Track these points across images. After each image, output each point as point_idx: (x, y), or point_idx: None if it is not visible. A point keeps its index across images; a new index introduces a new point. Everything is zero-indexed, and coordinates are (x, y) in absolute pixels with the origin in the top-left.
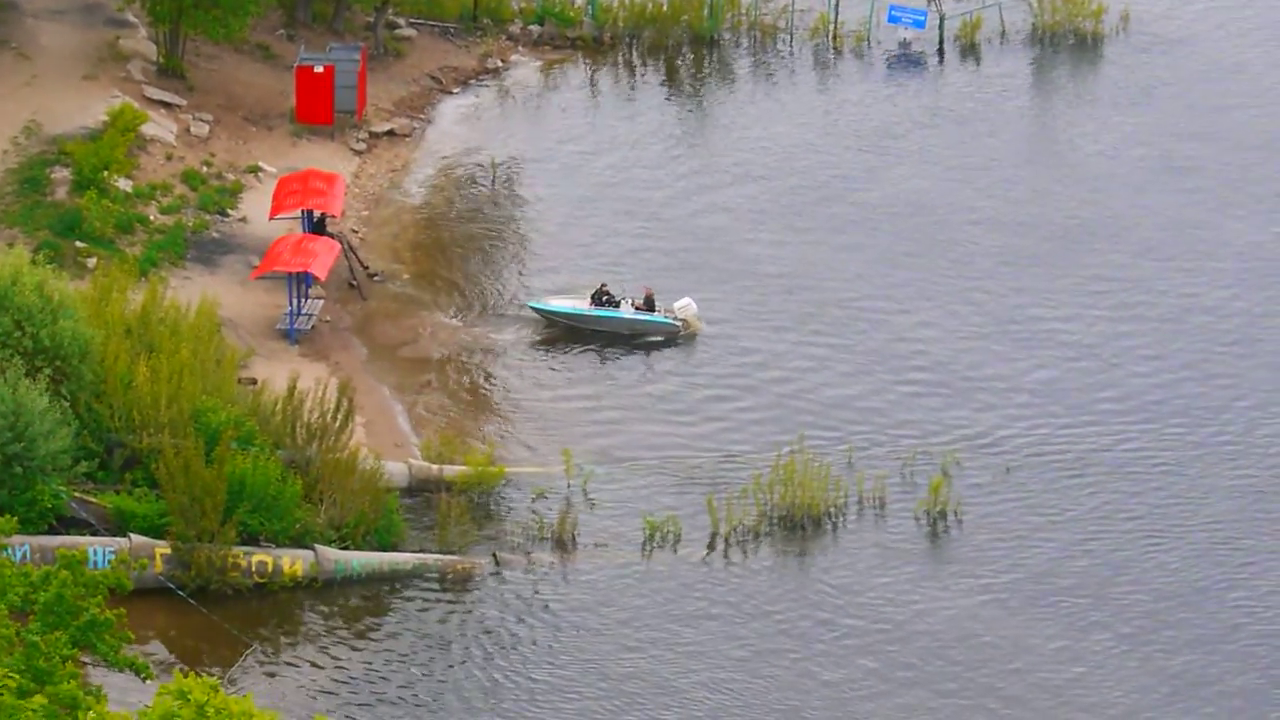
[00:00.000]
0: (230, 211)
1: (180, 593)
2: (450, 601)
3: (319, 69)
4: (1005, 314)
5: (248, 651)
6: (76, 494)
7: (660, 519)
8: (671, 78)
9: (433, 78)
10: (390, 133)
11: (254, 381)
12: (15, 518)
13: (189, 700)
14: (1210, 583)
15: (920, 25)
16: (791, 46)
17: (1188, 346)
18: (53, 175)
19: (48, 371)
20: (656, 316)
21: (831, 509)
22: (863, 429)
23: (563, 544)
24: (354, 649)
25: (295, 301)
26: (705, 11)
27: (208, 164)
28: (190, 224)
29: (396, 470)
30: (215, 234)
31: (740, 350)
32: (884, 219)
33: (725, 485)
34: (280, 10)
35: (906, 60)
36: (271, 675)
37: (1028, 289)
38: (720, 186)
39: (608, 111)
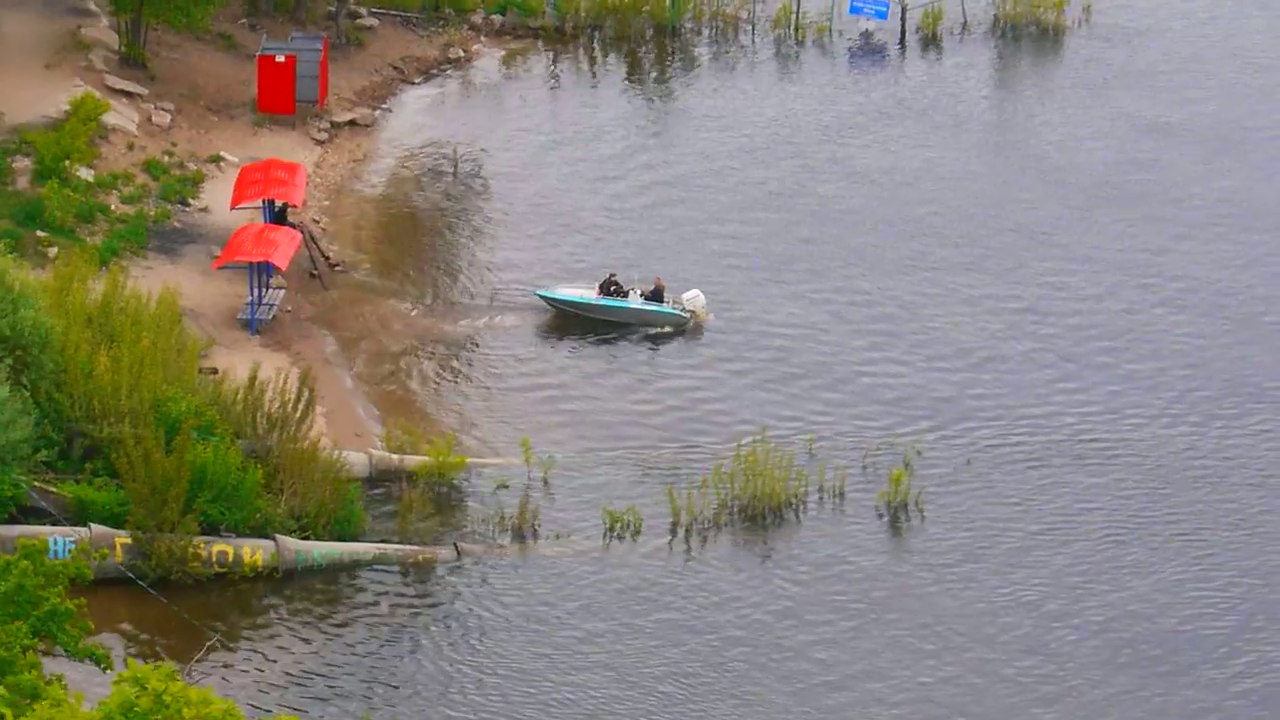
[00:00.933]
0: (192, 201)
1: (141, 583)
2: (411, 592)
3: (281, 59)
4: (966, 305)
5: (208, 642)
6: (36, 483)
7: (620, 509)
8: (634, 68)
9: (395, 67)
10: (352, 122)
11: (215, 371)
12: None
13: (146, 689)
14: (1171, 573)
15: (882, 16)
16: (754, 37)
17: (1145, 338)
18: (14, 164)
19: (8, 361)
20: (664, 307)
21: (792, 499)
22: (825, 419)
23: (523, 534)
24: (314, 639)
25: (256, 291)
26: (667, 1)
27: (169, 153)
28: (152, 213)
29: (357, 460)
30: (177, 223)
31: (702, 341)
32: (845, 210)
33: (686, 476)
34: None
35: (868, 51)
36: (231, 666)
37: (988, 279)
38: (681, 178)
39: (569, 101)
